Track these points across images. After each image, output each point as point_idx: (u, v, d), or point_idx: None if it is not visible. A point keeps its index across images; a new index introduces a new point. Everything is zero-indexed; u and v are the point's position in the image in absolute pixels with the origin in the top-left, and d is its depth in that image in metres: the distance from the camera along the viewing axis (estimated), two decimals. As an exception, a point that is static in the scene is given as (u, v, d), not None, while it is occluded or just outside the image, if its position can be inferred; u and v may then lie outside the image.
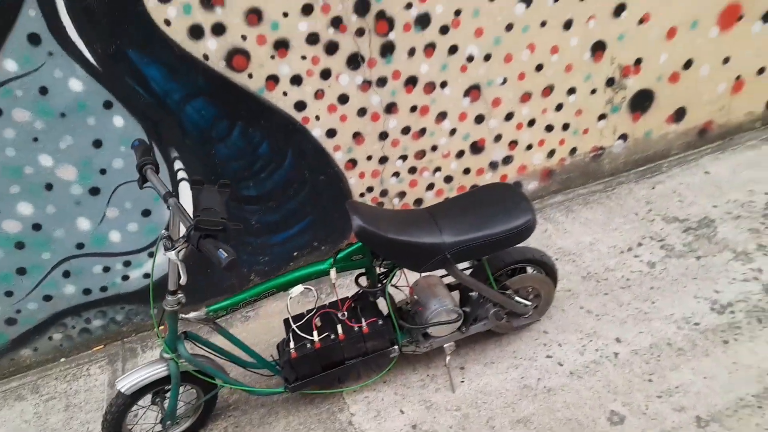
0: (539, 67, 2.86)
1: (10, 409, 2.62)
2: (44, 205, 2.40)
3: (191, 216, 1.72)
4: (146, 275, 2.75)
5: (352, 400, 2.42)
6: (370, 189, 2.91)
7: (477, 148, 3.01)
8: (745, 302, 2.51)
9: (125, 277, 2.72)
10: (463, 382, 2.41)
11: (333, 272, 2.11)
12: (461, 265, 2.22)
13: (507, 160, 3.11)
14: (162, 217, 2.61)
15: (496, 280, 2.32)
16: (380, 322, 2.23)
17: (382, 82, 2.62)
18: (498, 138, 3.01)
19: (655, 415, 2.15)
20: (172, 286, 1.94)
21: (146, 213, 2.58)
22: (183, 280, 1.72)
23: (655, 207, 3.17)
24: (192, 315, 2.04)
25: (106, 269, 2.67)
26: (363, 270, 2.26)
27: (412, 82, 2.67)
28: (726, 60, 3.20)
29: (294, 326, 2.24)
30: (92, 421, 2.49)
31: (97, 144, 2.35)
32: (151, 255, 2.70)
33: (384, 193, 2.96)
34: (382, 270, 2.27)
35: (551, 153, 3.19)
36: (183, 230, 1.76)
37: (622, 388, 2.26)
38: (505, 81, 2.83)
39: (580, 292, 2.73)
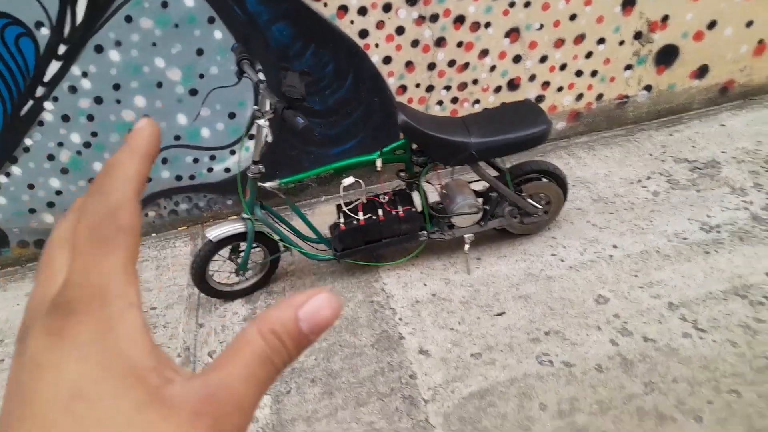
0: (573, 17, 3.28)
1: (115, 265, 3.31)
2: (154, 99, 3.02)
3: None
4: (227, 170, 3.36)
5: (385, 275, 2.96)
6: (415, 113, 3.42)
7: (513, 85, 3.46)
8: (732, 225, 2.91)
9: (210, 170, 3.34)
10: (477, 268, 2.92)
11: (379, 162, 2.64)
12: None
13: (539, 99, 3.55)
14: (243, 121, 3.19)
15: (514, 185, 2.80)
16: (414, 209, 2.76)
17: (434, 18, 3.10)
18: (532, 78, 3.45)
19: (635, 299, 2.60)
20: (256, 157, 2.51)
21: (231, 115, 3.17)
22: (270, 138, 2.27)
23: (669, 150, 3.55)
24: (268, 184, 2.61)
25: (196, 160, 3.28)
26: (403, 166, 2.77)
27: (460, 20, 3.14)
28: (749, 23, 3.52)
29: (345, 208, 2.79)
30: (178, 277, 3.13)
31: (200, 52, 2.94)
32: (233, 153, 3.30)
33: (428, 118, 3.46)
34: (419, 168, 2.77)
35: (579, 96, 3.61)
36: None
37: (611, 280, 2.72)
38: (541, 26, 3.27)
39: (589, 210, 3.17)
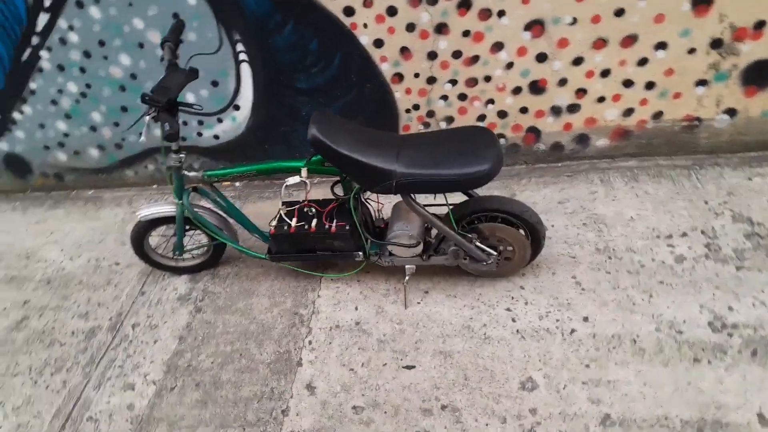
0: (619, 12, 2.53)
1: (110, 210, 3.47)
2: (138, 59, 2.96)
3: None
4: (216, 136, 3.25)
5: (326, 286, 2.72)
6: (416, 107, 2.97)
7: (537, 88, 2.83)
8: (753, 330, 2.17)
9: (199, 134, 3.26)
10: (419, 303, 2.54)
11: (304, 171, 2.32)
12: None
13: (573, 108, 2.88)
14: (226, 91, 3.03)
15: (468, 222, 2.34)
16: (347, 227, 2.43)
17: (432, 0, 2.59)
18: (563, 82, 2.79)
19: (567, 396, 2.09)
20: (174, 146, 2.36)
21: (214, 84, 3.02)
22: (142, 138, 2.10)
23: (733, 201, 2.72)
24: (192, 174, 2.46)
25: (185, 123, 3.22)
26: (339, 179, 2.44)
27: (465, 5, 2.59)
28: None
29: (281, 210, 2.56)
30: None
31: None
32: (220, 121, 3.18)
33: (431, 113, 2.99)
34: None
35: (629, 111, 2.86)
36: None
37: (554, 362, 2.21)
38: (574, 21, 2.58)
39: (584, 262, 2.58)
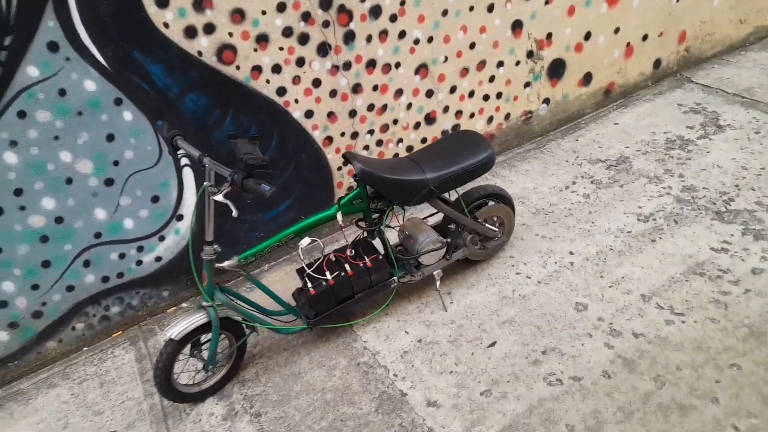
0: (472, 46, 3.42)
1: (45, 396, 2.78)
2: (65, 198, 2.65)
3: (228, 168, 2.08)
4: (158, 258, 3.01)
5: (362, 332, 2.80)
6: (345, 163, 3.33)
7: (430, 119, 3.51)
8: (662, 211, 3.14)
9: (139, 262, 2.98)
10: (452, 303, 2.86)
11: (339, 215, 2.51)
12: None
13: (455, 128, 3.63)
14: (168, 202, 2.90)
15: (470, 211, 2.81)
16: (380, 256, 2.65)
17: (347, 66, 3.07)
18: (446, 109, 3.53)
19: (610, 299, 2.69)
20: (208, 237, 2.27)
21: (155, 199, 2.86)
22: (235, 213, 2.04)
23: (581, 154, 3.79)
24: (226, 263, 2.37)
25: (122, 256, 2.91)
26: (362, 215, 2.67)
27: (372, 64, 3.14)
28: (617, 30, 3.91)
29: (308, 270, 2.61)
30: (129, 390, 2.70)
31: (110, 138, 2.63)
32: (162, 239, 2.98)
33: (357, 165, 3.39)
34: (377, 214, 2.69)
35: (490, 119, 3.75)
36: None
37: (581, 286, 2.79)
38: (446, 59, 3.36)
39: (533, 224, 3.27)
